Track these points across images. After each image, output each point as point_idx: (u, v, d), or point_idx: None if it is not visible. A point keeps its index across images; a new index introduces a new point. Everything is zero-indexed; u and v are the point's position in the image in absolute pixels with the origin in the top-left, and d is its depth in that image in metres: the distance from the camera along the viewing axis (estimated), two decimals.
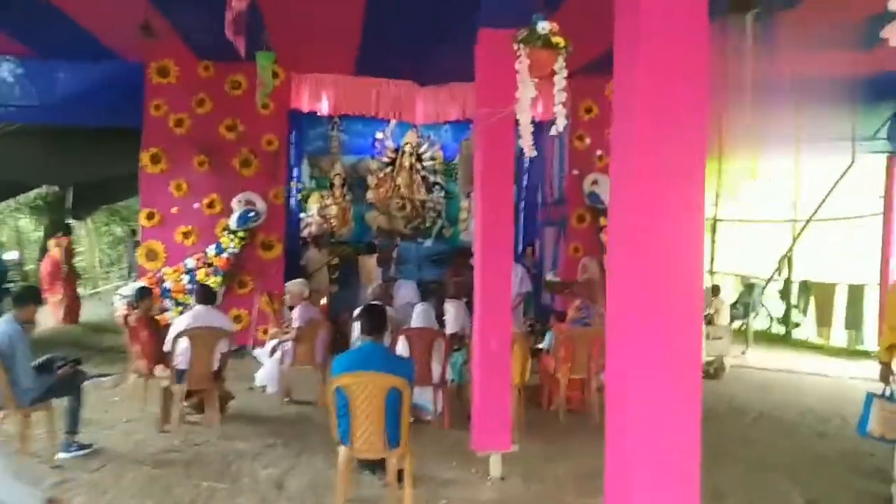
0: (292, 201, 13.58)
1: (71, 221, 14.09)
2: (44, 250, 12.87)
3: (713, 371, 9.03)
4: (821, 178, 11.56)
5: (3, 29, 8.46)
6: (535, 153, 4.37)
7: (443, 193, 14.94)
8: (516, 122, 4.18)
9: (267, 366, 7.44)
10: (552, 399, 7.07)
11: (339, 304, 12.53)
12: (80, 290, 12.91)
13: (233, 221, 9.43)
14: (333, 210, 14.35)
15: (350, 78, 9.76)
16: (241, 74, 9.45)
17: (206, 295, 6.43)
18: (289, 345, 7.03)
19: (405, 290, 10.93)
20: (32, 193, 13.76)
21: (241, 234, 9.43)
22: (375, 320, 4.50)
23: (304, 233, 13.88)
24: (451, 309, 9.85)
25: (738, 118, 7.44)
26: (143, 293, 6.71)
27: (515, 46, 4.13)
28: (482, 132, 5.22)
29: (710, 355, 8.96)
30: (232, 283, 9.60)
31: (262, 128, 9.68)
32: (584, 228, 9.95)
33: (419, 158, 14.87)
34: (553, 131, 4.28)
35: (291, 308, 7.54)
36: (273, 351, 7.35)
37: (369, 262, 11.52)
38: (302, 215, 14.10)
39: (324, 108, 9.77)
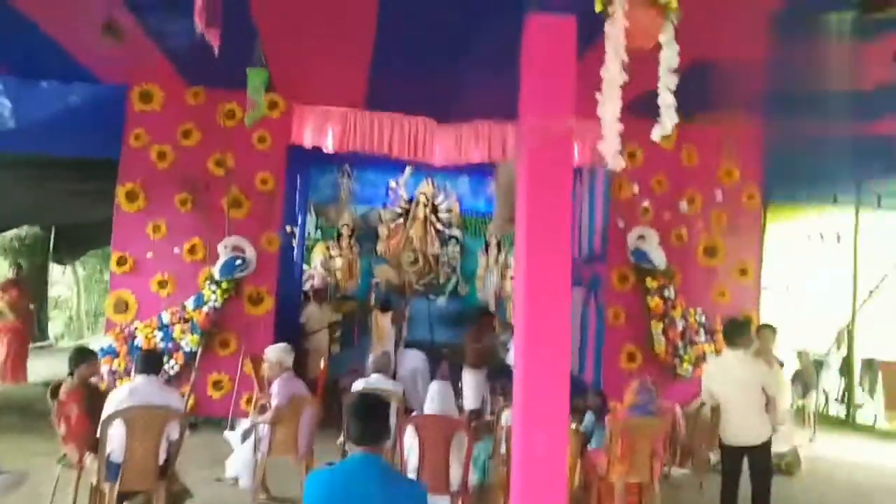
0: (295, 252, 12.09)
1: (52, 266, 12.58)
2: None
3: (785, 466, 7.23)
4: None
5: None
6: (621, 163, 2.84)
7: (458, 248, 13.37)
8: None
9: (238, 453, 5.74)
10: None
11: (340, 366, 10.89)
12: (32, 344, 11.30)
13: (217, 270, 7.85)
14: (339, 262, 12.77)
15: (359, 112, 8.28)
16: (236, 103, 7.98)
17: (148, 363, 4.77)
18: (265, 429, 5.34)
19: (412, 359, 9.27)
20: (9, 234, 12.28)
21: (225, 284, 7.84)
22: (372, 423, 2.83)
23: (307, 286, 12.29)
24: (471, 380, 8.13)
25: None
26: (82, 357, 5.01)
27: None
28: (530, 147, 3.63)
29: (780, 446, 7.19)
30: (212, 342, 7.95)
31: (256, 164, 8.17)
32: (627, 290, 8.28)
33: (434, 210, 13.35)
34: (656, 134, 2.76)
35: (269, 381, 5.89)
36: (246, 435, 5.67)
37: (383, 321, 9.86)
38: (305, 267, 12.54)
39: (329, 143, 8.25)
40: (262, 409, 5.60)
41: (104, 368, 7.65)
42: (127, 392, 4.55)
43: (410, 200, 13.24)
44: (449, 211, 13.42)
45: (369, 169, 13.56)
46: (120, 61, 7.52)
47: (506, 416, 5.50)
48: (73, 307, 14.35)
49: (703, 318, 8.12)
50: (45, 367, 10.57)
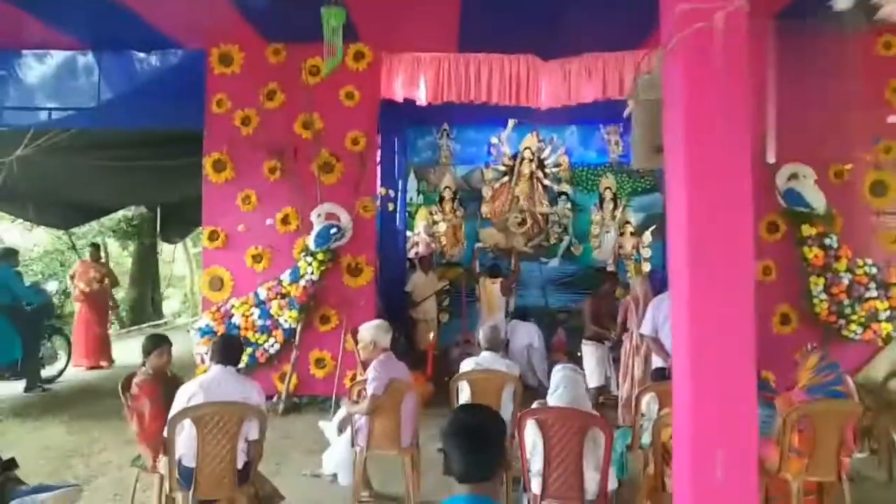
0: (398, 219, 11.33)
1: (163, 245, 12.39)
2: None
3: None
4: None
5: (41, 18, 6.63)
6: None
7: (569, 205, 12.16)
8: None
9: (336, 447, 4.98)
10: None
11: (449, 335, 10.11)
12: (110, 326, 11.05)
13: (312, 240, 7.13)
14: (443, 227, 11.90)
15: (453, 56, 7.26)
16: (319, 58, 7.13)
17: (226, 351, 4.03)
18: (362, 420, 4.53)
19: (524, 333, 8.29)
20: (118, 215, 12.16)
21: (321, 255, 7.11)
22: (479, 454, 1.87)
23: (411, 253, 11.53)
24: (592, 354, 7.09)
25: None
26: (155, 343, 4.35)
27: None
28: (688, 43, 2.50)
29: None
30: (311, 318, 7.28)
31: (345, 123, 7.34)
32: (777, 241, 6.88)
33: (541, 165, 12.20)
34: None
35: (364, 364, 5.06)
36: (342, 427, 4.89)
37: (492, 289, 8.92)
38: (409, 234, 11.77)
39: (422, 94, 7.31)
40: (359, 396, 4.78)
41: (201, 350, 7.14)
42: (197, 386, 3.82)
43: (515, 157, 12.15)
44: (557, 165, 12.22)
45: (469, 127, 12.56)
46: (195, 23, 6.87)
47: (647, 402, 4.44)
48: (188, 284, 14.27)
49: (874, 270, 6.65)
50: None
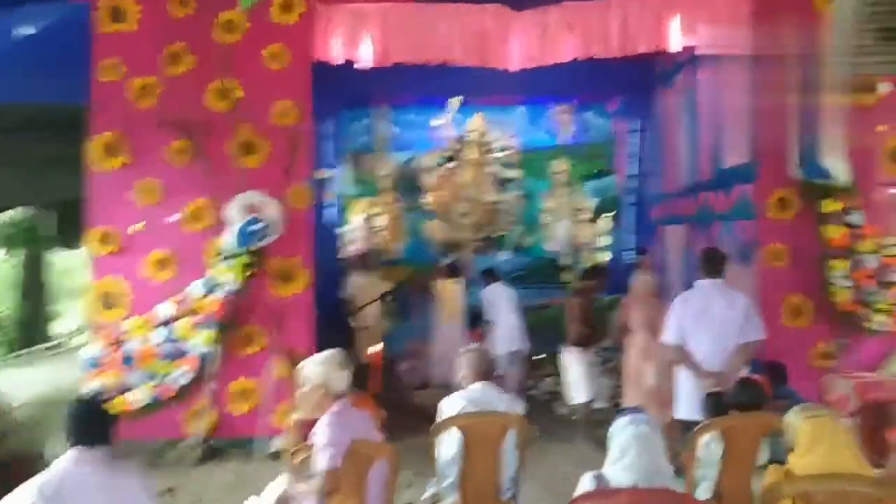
0: (332, 212, 9.70)
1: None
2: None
3: None
4: None
5: None
6: None
7: (519, 192, 10.86)
8: None
9: None
10: None
11: (396, 344, 8.62)
12: None
13: (230, 240, 5.47)
14: (382, 221, 10.35)
15: (405, 5, 5.73)
16: (238, 10, 5.51)
17: (85, 428, 2.43)
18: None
19: (506, 337, 6.86)
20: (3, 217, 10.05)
21: (242, 259, 5.46)
22: None
23: (346, 253, 9.94)
24: (578, 363, 5.74)
25: None
26: None
27: None
28: None
29: None
30: (232, 339, 5.63)
31: (272, 91, 5.69)
32: (789, 220, 5.66)
33: (488, 149, 10.81)
34: None
35: (304, 425, 3.43)
36: None
37: (452, 290, 7.42)
38: (342, 230, 10.17)
39: (366, 55, 5.73)
40: (304, 463, 3.20)
41: (93, 385, 5.39)
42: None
43: (459, 141, 10.72)
44: (505, 149, 10.88)
45: (409, 109, 11.04)
46: None
47: (707, 444, 3.11)
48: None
49: None
50: (44, 375, 8.36)
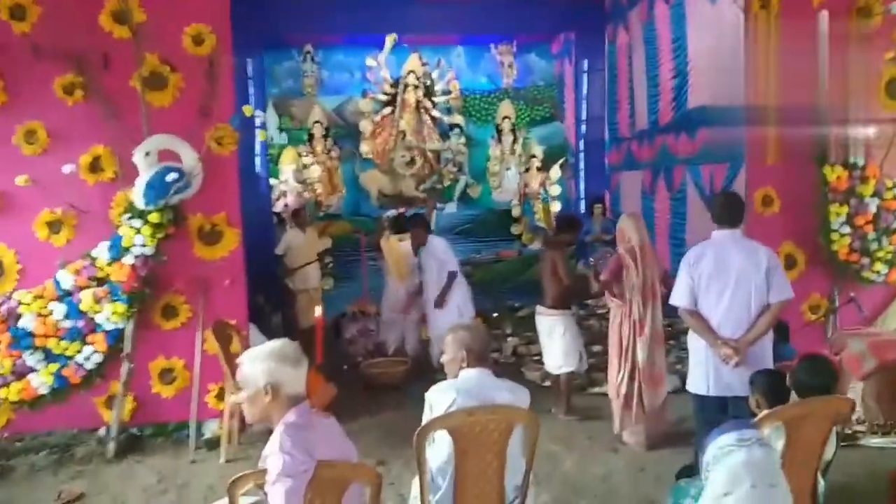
0: (259, 163, 8.70)
1: None
2: None
3: None
4: None
5: None
6: None
7: (463, 139, 10.07)
8: None
9: None
10: None
11: (337, 305, 7.83)
12: None
13: (139, 194, 4.50)
14: (315, 172, 9.39)
15: None
16: None
17: None
18: None
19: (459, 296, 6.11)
20: None
21: (156, 217, 4.50)
22: None
23: (278, 206, 8.98)
24: (565, 329, 5.04)
25: None
26: None
27: None
28: None
29: None
30: (149, 312, 4.70)
31: (182, 12, 4.65)
32: (779, 164, 5.09)
33: (428, 93, 9.94)
34: None
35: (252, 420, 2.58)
36: None
37: (398, 248, 6.59)
38: (272, 182, 9.18)
39: None
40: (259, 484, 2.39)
41: None
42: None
43: (396, 84, 9.80)
44: (447, 93, 10.04)
45: (338, 48, 10.03)
46: None
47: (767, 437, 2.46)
48: None
49: None
50: None
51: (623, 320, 4.31)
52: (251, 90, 8.56)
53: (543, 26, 9.51)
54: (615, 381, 4.37)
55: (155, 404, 4.77)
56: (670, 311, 4.29)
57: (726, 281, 3.36)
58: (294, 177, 9.03)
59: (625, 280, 4.28)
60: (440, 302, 5.84)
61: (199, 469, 4.34)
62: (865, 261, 4.99)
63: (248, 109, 4.93)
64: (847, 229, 4.92)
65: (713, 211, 3.52)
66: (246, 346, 4.74)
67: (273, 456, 2.06)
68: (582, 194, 9.64)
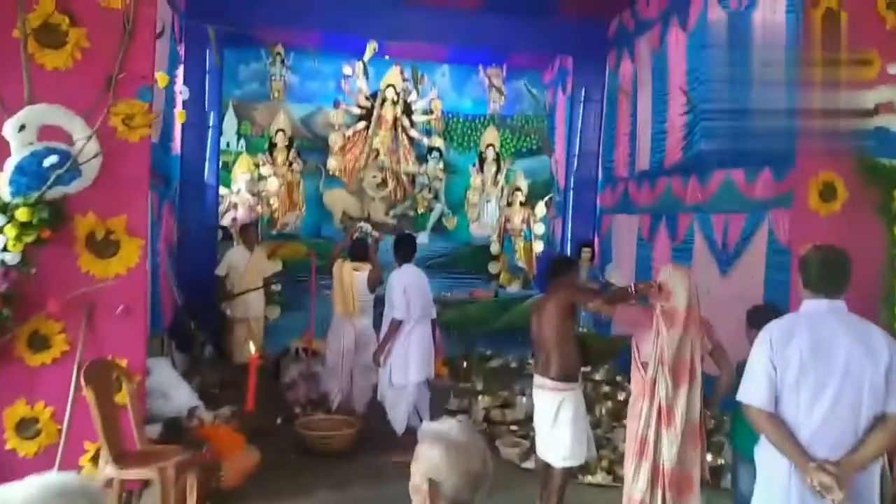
0: (208, 169, 7.52)
1: None
2: None
3: None
4: None
5: None
6: None
7: (441, 165, 8.98)
8: None
9: None
10: None
11: (282, 339, 6.63)
12: None
13: (5, 180, 3.27)
14: (273, 185, 8.19)
15: None
16: None
17: None
18: None
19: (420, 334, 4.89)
20: None
21: (26, 213, 3.27)
22: None
23: (225, 221, 7.78)
24: (577, 409, 3.78)
25: None
26: None
27: None
28: None
29: None
30: (10, 339, 3.44)
31: None
32: (832, 215, 4.06)
33: (407, 110, 8.86)
34: None
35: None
36: None
37: (352, 278, 5.33)
38: (224, 192, 7.97)
39: None
40: None
41: None
42: None
43: (374, 97, 8.71)
44: (427, 112, 8.97)
45: (311, 54, 8.93)
46: None
47: None
48: None
49: None
50: None
51: (644, 402, 3.16)
52: (207, 86, 7.42)
53: (539, 45, 8.55)
54: (628, 481, 3.20)
55: (7, 466, 3.47)
56: (708, 391, 3.20)
57: (828, 376, 2.22)
58: (247, 188, 7.83)
59: (652, 347, 3.14)
60: (376, 357, 4.69)
61: None
62: None
63: (162, 78, 3.72)
64: None
65: (806, 271, 2.36)
66: (137, 396, 3.51)
67: None
68: (569, 235, 8.57)
